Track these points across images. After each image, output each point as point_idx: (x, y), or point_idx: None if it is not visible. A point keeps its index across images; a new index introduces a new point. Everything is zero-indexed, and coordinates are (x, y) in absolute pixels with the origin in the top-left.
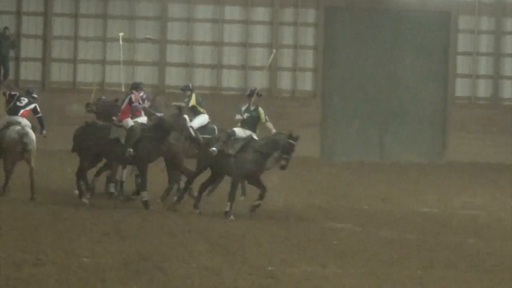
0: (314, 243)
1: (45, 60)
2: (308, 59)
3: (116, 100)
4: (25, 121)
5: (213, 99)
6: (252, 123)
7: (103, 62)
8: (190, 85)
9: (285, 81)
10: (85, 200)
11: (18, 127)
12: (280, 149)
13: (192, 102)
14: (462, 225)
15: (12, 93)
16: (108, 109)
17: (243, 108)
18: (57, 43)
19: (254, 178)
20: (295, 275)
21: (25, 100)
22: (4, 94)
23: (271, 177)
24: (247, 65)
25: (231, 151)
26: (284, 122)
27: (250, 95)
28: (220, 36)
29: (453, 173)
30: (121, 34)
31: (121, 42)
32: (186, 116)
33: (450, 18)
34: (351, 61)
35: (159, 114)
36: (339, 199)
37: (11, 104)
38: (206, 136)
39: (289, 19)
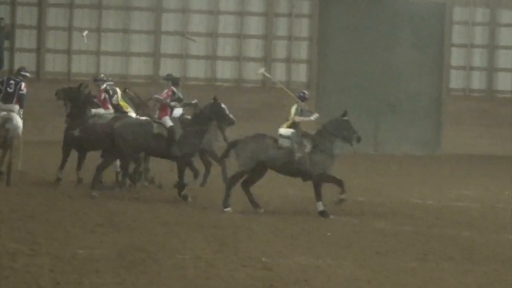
0: (309, 234)
1: (39, 50)
2: (302, 50)
3: (80, 86)
4: (17, 109)
5: (207, 90)
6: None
7: (97, 53)
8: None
9: (279, 73)
10: (95, 194)
11: (3, 113)
12: (343, 133)
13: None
14: (457, 217)
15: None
16: (74, 97)
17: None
18: (51, 33)
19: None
20: (289, 267)
21: (13, 83)
22: None
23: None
24: (241, 56)
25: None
26: (279, 113)
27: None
28: (215, 27)
29: (447, 165)
30: (85, 32)
31: (85, 41)
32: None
33: (445, 9)
34: (345, 53)
35: (193, 101)
36: (333, 191)
37: (3, 92)
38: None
39: (283, 10)
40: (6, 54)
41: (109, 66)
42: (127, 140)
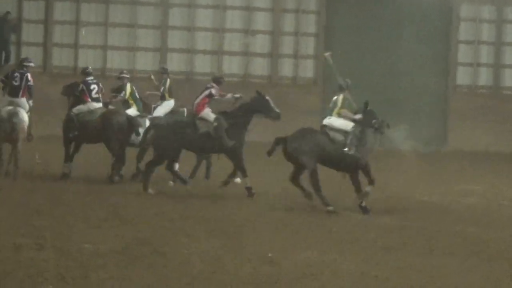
0: (314, 229)
1: (46, 44)
2: (309, 46)
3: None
4: (24, 103)
5: None
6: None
7: (104, 47)
8: (168, 69)
9: (286, 68)
10: (151, 191)
11: (10, 107)
12: (373, 122)
13: (167, 87)
14: (463, 213)
15: (3, 78)
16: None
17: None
18: (58, 27)
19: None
20: (295, 262)
21: (18, 76)
22: (2, 81)
23: (272, 165)
24: (248, 52)
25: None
26: (285, 109)
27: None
28: (222, 22)
29: (453, 161)
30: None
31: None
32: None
33: (451, 6)
34: (352, 49)
35: (236, 95)
36: (338, 187)
37: (8, 86)
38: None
39: (290, 6)
40: (13, 48)
41: (116, 60)
42: (169, 139)
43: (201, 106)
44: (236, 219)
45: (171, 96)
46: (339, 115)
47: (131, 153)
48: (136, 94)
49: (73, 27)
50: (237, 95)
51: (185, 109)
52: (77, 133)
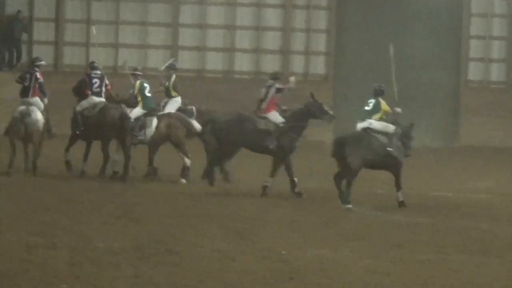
0: (326, 226)
1: (57, 43)
2: (320, 42)
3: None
4: (37, 102)
5: (225, 83)
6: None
7: (115, 45)
8: (176, 65)
9: (297, 65)
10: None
11: (22, 107)
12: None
13: (171, 83)
14: (474, 209)
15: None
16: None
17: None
18: (69, 26)
19: None
20: (308, 259)
21: (28, 77)
22: (16, 81)
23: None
24: (259, 49)
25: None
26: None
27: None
28: (233, 19)
29: (465, 157)
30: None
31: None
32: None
33: (463, 1)
34: (363, 45)
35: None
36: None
37: (22, 86)
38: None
39: (301, 2)
40: (24, 47)
41: (127, 58)
42: (229, 135)
43: (272, 106)
44: (247, 216)
45: (177, 93)
46: (381, 119)
47: (142, 151)
48: (146, 91)
49: (84, 25)
50: (293, 78)
51: (193, 108)
52: (83, 128)
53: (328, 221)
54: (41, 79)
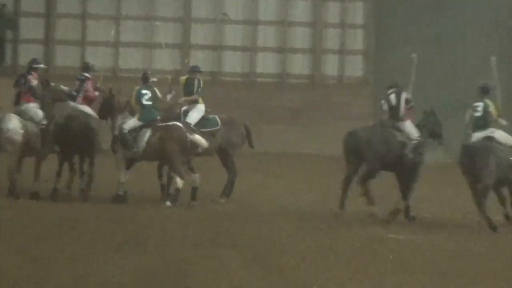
0: (365, 256)
1: (48, 42)
2: (357, 40)
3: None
4: (28, 109)
5: (246, 87)
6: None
7: (116, 44)
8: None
9: (330, 66)
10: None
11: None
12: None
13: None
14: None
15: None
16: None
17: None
18: (62, 22)
19: None
20: None
21: (22, 81)
22: (14, 87)
23: (313, 181)
24: (285, 47)
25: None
26: (329, 113)
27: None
28: (254, 13)
29: None
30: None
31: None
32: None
33: None
34: (406, 43)
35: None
36: (392, 203)
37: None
38: (207, 129)
39: None
40: (8, 47)
41: (130, 59)
42: (376, 147)
43: (408, 115)
44: (273, 244)
45: (202, 99)
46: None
47: (149, 167)
48: (144, 99)
49: (80, 21)
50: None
51: (216, 117)
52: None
53: (367, 249)
54: (32, 83)
